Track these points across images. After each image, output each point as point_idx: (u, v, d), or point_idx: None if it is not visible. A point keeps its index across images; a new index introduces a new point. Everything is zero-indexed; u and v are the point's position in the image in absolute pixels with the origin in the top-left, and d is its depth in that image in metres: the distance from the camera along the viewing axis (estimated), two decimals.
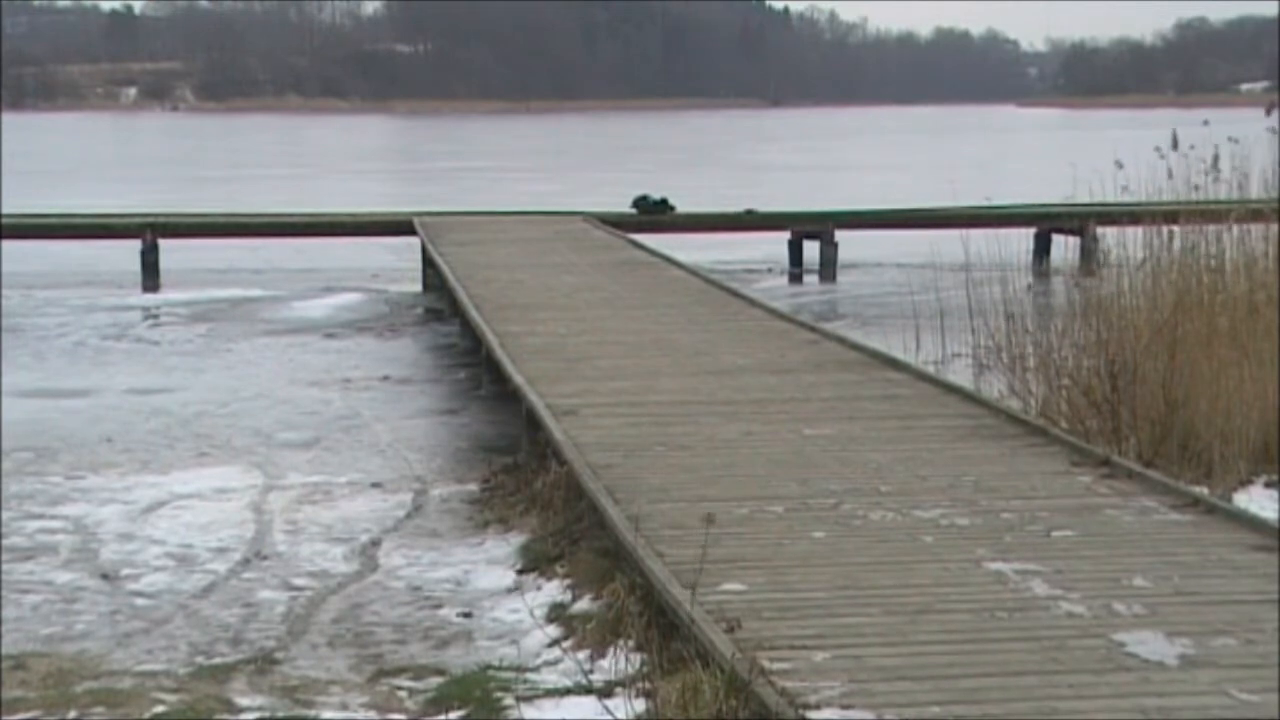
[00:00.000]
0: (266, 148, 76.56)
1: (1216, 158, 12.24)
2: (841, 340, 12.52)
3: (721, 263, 22.85)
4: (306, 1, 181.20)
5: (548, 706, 6.10)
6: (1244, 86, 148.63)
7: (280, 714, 6.32)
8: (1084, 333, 10.88)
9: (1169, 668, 5.31)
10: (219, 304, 20.76)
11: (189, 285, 22.41)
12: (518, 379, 10.77)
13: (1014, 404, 10.54)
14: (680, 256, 18.96)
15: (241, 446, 11.89)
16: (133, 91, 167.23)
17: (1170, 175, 12.22)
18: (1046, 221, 23.22)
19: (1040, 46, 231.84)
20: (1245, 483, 9.22)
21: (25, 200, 29.21)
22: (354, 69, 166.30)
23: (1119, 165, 12.31)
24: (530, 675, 6.55)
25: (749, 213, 25.37)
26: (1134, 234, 12.01)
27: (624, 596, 6.79)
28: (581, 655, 6.49)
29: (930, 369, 11.77)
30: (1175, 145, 12.25)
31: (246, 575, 8.45)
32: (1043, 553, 6.63)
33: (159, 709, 6.38)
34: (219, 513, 9.77)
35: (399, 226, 23.84)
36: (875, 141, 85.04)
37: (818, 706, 4.95)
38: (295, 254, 25.51)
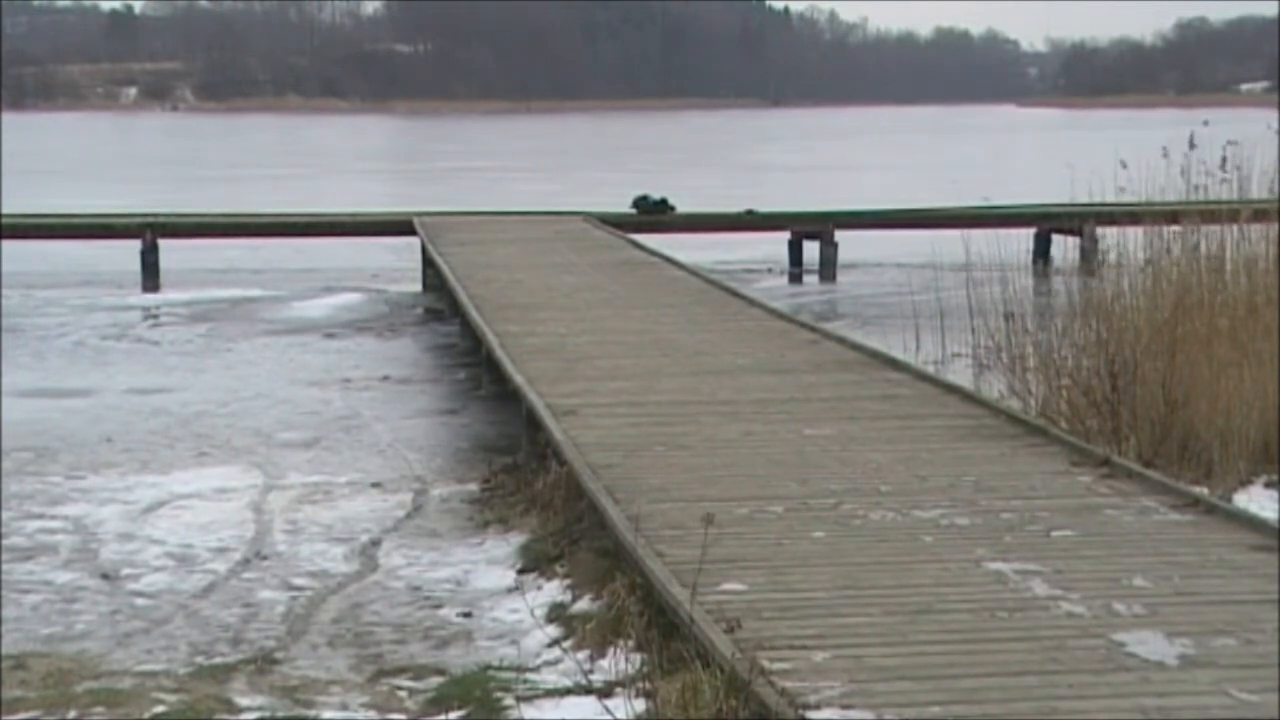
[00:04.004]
0: (266, 148, 76.55)
1: (1224, 159, 12.24)
2: (841, 340, 12.52)
3: (721, 263, 22.86)
4: (306, 1, 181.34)
5: (548, 706, 6.10)
6: (1244, 86, 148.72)
7: (280, 714, 6.32)
8: (1084, 333, 10.87)
9: (1169, 668, 5.31)
10: (219, 304, 20.76)
11: (189, 285, 22.42)
12: (518, 379, 10.77)
13: (1014, 404, 10.54)
14: (680, 256, 18.95)
15: (241, 446, 11.89)
16: (133, 91, 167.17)
17: (1182, 173, 12.21)
18: (1046, 221, 23.22)
19: (1040, 46, 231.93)
20: (1245, 483, 9.22)
21: (25, 200, 29.21)
22: (354, 69, 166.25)
23: (1123, 165, 12.31)
24: (530, 675, 6.55)
25: (749, 213, 25.37)
26: (1134, 234, 12.01)
27: (624, 596, 6.79)
28: (581, 655, 6.49)
29: (930, 369, 11.77)
30: (1192, 145, 12.24)
31: (246, 575, 8.45)
32: (1043, 553, 6.63)
33: (159, 709, 6.38)
34: (219, 513, 9.77)
35: (399, 226, 23.85)
36: (875, 141, 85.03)
37: (818, 706, 4.95)
38: (295, 254, 25.51)
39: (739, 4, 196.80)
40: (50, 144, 77.77)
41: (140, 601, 7.99)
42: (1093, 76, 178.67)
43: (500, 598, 7.85)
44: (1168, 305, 10.59)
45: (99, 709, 6.39)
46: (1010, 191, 26.12)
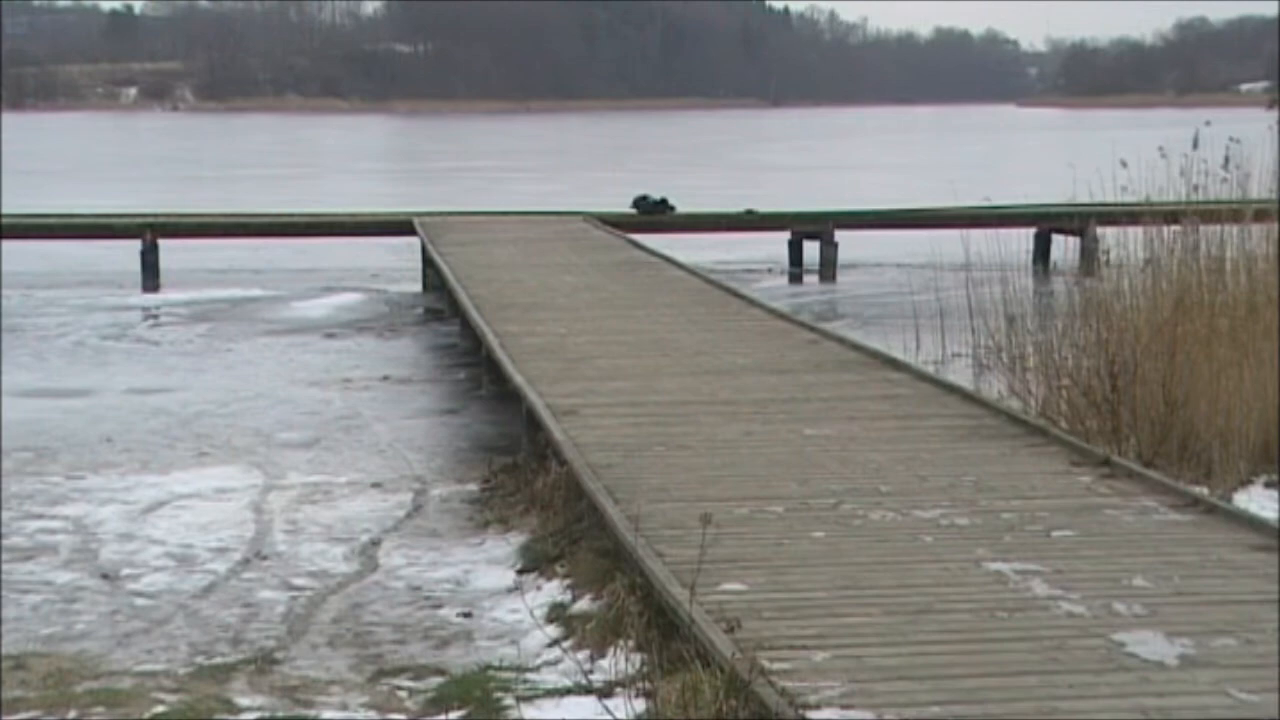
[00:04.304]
0: (266, 148, 76.56)
1: (1227, 159, 12.23)
2: (841, 340, 12.52)
3: (721, 263, 22.86)
4: (306, 1, 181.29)
5: (548, 706, 6.10)
6: (1244, 86, 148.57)
7: (280, 714, 6.32)
8: (1084, 333, 10.87)
9: (1169, 668, 5.31)
10: (219, 304, 20.77)
11: (189, 285, 22.42)
12: (518, 379, 10.77)
13: (1014, 404, 10.54)
14: (680, 256, 18.95)
15: (241, 446, 11.89)
16: (133, 91, 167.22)
17: (1181, 173, 12.21)
18: (1046, 221, 23.23)
19: (1040, 46, 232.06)
20: (1245, 483, 9.22)
21: (25, 200, 29.21)
22: (354, 69, 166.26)
23: (1123, 164, 12.30)
24: (530, 675, 6.55)
25: (749, 213, 25.37)
26: (1134, 234, 12.01)
27: (624, 596, 6.79)
28: (581, 655, 6.49)
29: (930, 369, 11.77)
30: (1195, 145, 12.23)
31: (246, 575, 8.45)
32: (1043, 553, 6.63)
33: (159, 709, 6.38)
34: (219, 513, 9.77)
35: (399, 226, 23.85)
36: (875, 141, 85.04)
37: (818, 706, 4.95)
38: (295, 254, 25.51)
39: (739, 4, 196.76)
40: (50, 144, 77.78)
41: (140, 601, 7.99)
42: (1093, 76, 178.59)
43: (500, 598, 7.85)
44: (1168, 305, 10.58)
45: (99, 709, 6.39)
46: (1010, 191, 26.09)
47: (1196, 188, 12.26)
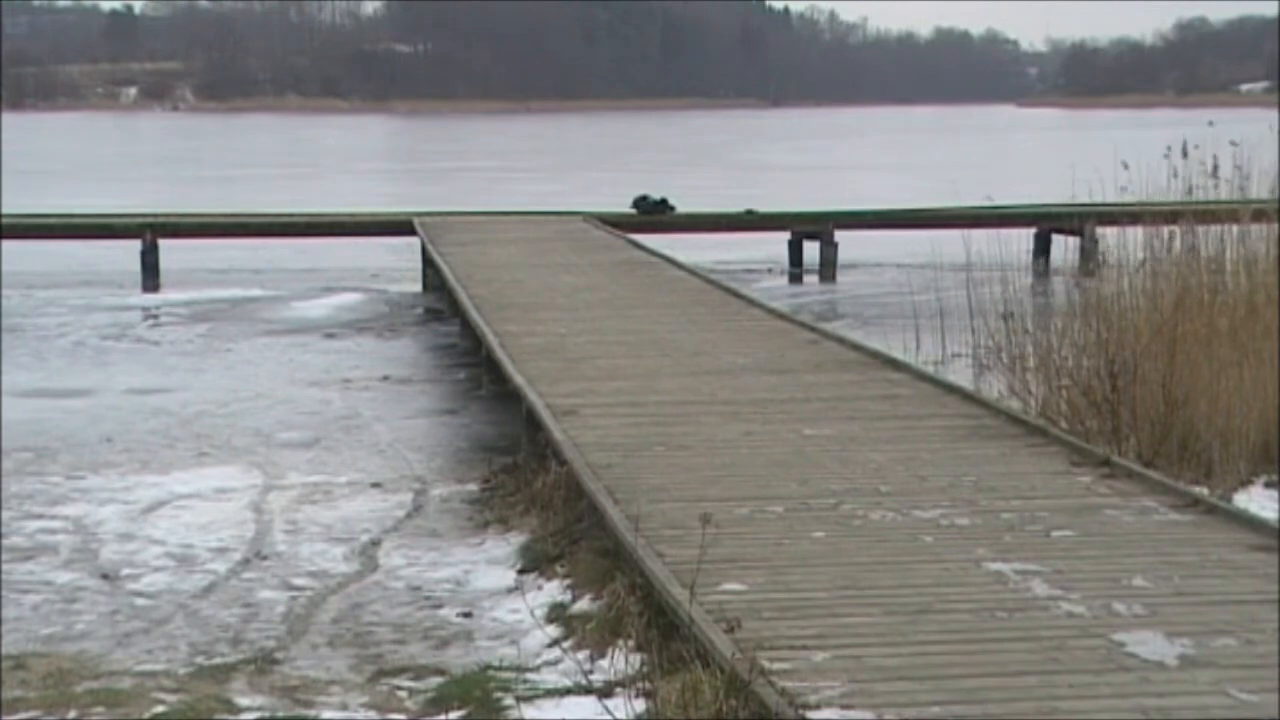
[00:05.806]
0: (266, 148, 76.55)
1: (1216, 166, 12.25)
2: (841, 340, 12.52)
3: (721, 263, 22.85)
4: (306, 1, 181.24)
5: (548, 706, 6.10)
6: (1244, 86, 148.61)
7: (280, 714, 6.32)
8: (1084, 333, 10.88)
9: (1169, 668, 5.31)
10: (219, 304, 20.77)
11: (189, 285, 22.42)
12: (518, 379, 10.77)
13: (1014, 404, 10.54)
14: (680, 256, 18.95)
15: (241, 446, 11.89)
16: (133, 91, 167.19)
17: (1176, 174, 12.23)
18: (1046, 221, 23.24)
19: (1040, 46, 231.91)
20: (1245, 483, 9.22)
21: (25, 200, 29.21)
22: (354, 69, 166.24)
23: (1125, 166, 12.31)
24: (530, 675, 6.55)
25: (749, 213, 25.38)
26: (1134, 234, 12.02)
27: (624, 596, 6.79)
28: (581, 655, 6.49)
29: (930, 369, 11.77)
30: (1185, 154, 12.26)
31: (246, 575, 8.46)
32: (1043, 553, 6.63)
33: (159, 709, 6.38)
34: (219, 513, 9.78)
35: (399, 226, 23.85)
36: (875, 141, 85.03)
37: (818, 706, 4.95)
38: (296, 254, 25.51)
39: (739, 4, 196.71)
40: (50, 144, 77.76)
41: (140, 601, 8.00)
42: (1093, 76, 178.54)
43: (500, 598, 7.85)
44: (1167, 305, 10.59)
45: (99, 709, 6.39)
46: (1010, 191, 26.10)
47: (1193, 189, 12.29)
